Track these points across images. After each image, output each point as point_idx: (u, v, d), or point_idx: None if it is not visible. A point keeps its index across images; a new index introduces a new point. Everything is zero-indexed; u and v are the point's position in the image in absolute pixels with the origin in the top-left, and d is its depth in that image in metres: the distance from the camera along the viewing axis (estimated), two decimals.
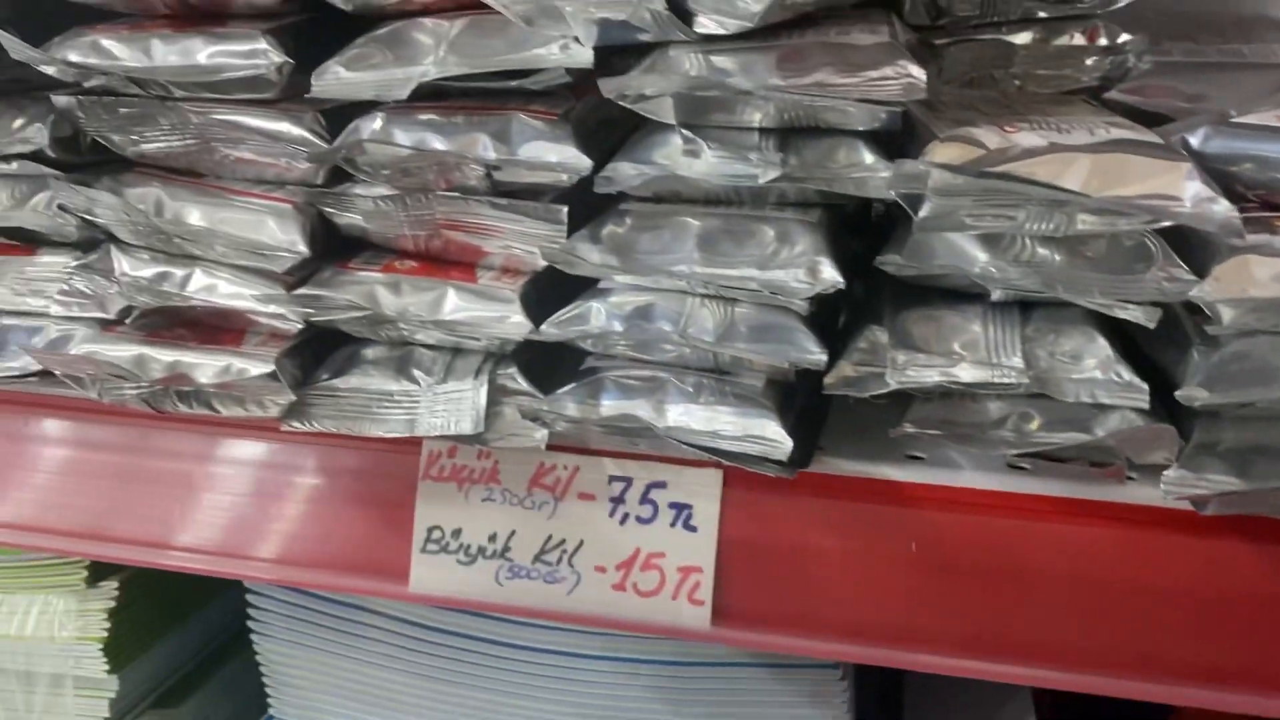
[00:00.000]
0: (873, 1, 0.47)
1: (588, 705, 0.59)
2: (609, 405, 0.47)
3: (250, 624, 0.62)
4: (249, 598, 0.62)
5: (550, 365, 0.50)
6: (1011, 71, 0.54)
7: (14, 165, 0.51)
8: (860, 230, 0.52)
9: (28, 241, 0.54)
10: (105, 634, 0.61)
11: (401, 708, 0.62)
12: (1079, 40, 0.53)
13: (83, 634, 0.61)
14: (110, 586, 0.61)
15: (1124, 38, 0.53)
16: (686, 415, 0.46)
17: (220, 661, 0.71)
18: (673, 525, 0.49)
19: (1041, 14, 0.53)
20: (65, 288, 0.52)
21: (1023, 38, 0.53)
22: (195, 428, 0.54)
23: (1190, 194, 0.39)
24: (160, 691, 0.67)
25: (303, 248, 0.49)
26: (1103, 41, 0.53)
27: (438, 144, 0.46)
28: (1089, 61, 0.53)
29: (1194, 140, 0.44)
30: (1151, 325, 0.42)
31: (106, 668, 0.61)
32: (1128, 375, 0.42)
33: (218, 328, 0.52)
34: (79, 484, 0.56)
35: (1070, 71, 0.53)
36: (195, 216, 0.49)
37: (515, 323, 0.47)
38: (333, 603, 0.61)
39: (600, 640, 0.58)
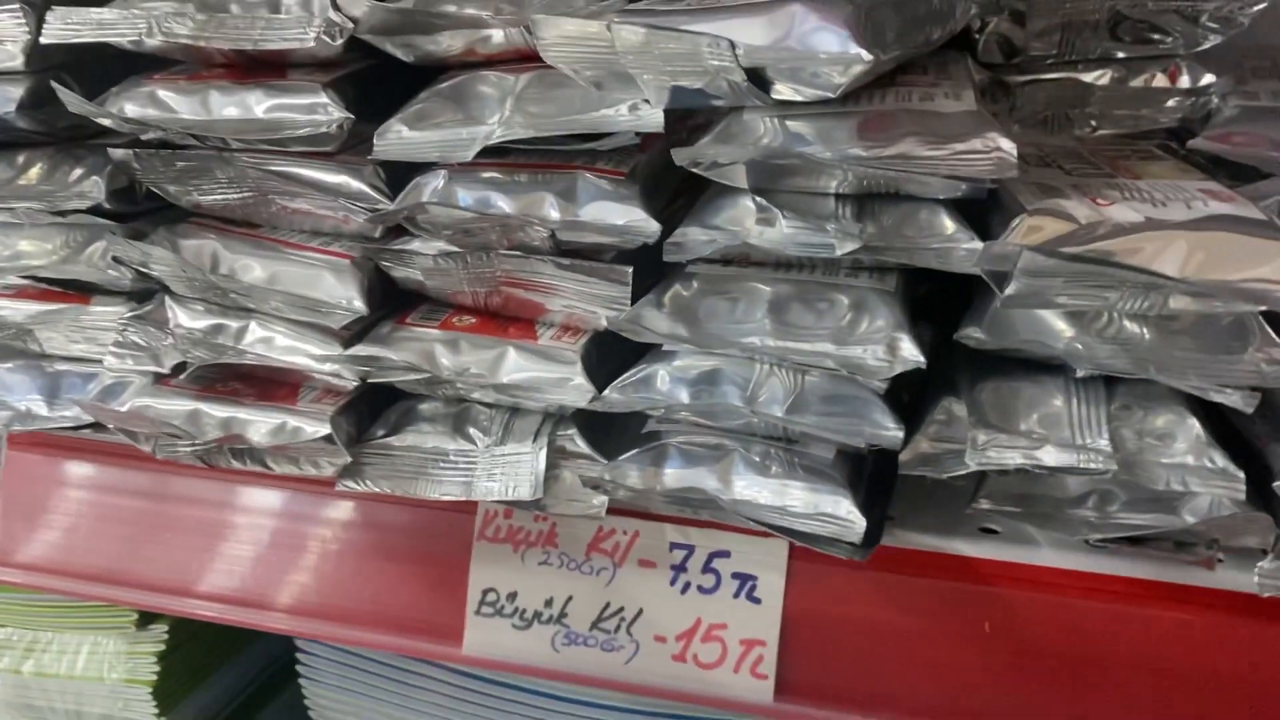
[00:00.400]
0: (947, 43, 0.45)
1: None
2: (672, 474, 0.45)
3: (299, 669, 0.62)
4: (299, 642, 0.61)
5: (610, 418, 0.49)
6: (1087, 111, 0.52)
7: (70, 217, 0.50)
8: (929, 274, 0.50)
9: (82, 290, 0.53)
10: (154, 677, 0.60)
11: None
12: (1160, 81, 0.51)
13: (132, 676, 0.60)
14: (160, 630, 0.61)
15: (1207, 79, 0.51)
16: (754, 488, 0.44)
17: (264, 702, 0.71)
18: (736, 596, 0.48)
19: (1120, 54, 0.51)
20: (119, 339, 0.51)
21: (1100, 78, 0.51)
22: (246, 480, 0.53)
23: None
24: None
25: (360, 305, 0.47)
26: (1184, 83, 0.51)
27: (502, 204, 0.44)
28: (1169, 103, 0.51)
29: None
30: (1250, 410, 0.40)
31: (155, 711, 0.61)
32: (1222, 461, 0.40)
33: (272, 381, 0.51)
34: (125, 532, 0.55)
35: (1148, 112, 0.51)
36: (251, 272, 0.48)
37: (577, 386, 0.46)
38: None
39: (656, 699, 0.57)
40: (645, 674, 0.49)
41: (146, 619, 0.61)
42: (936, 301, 0.47)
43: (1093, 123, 0.52)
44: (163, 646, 0.60)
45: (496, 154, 0.45)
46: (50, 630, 0.62)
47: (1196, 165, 0.48)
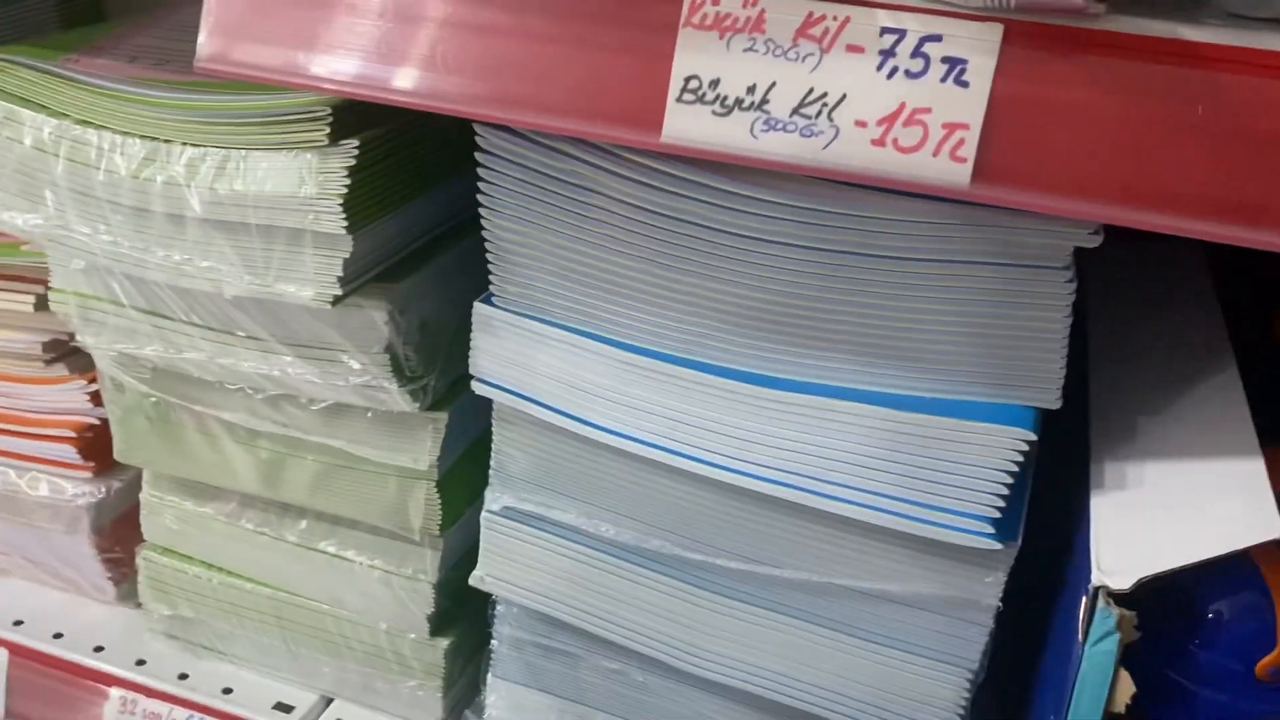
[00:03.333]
0: None
1: (798, 289, 0.60)
2: None
3: (480, 198, 0.64)
4: (480, 171, 0.63)
5: None
6: None
7: None
8: None
9: None
10: (345, 191, 0.63)
11: (619, 290, 0.64)
12: None
13: (323, 190, 0.63)
14: (350, 145, 0.63)
15: None
16: None
17: (450, 245, 0.74)
18: (944, 80, 0.48)
19: None
20: None
21: None
22: None
23: None
24: (387, 264, 0.70)
25: None
26: None
27: None
28: None
29: None
30: None
31: (345, 225, 0.64)
32: None
33: None
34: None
35: None
36: None
37: None
38: (564, 183, 0.62)
39: (820, 232, 0.58)
40: (842, 158, 0.50)
41: (337, 134, 0.63)
42: None
43: None
44: (353, 161, 0.63)
45: None
46: (243, 149, 0.65)
47: None
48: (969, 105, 0.48)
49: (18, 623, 0.95)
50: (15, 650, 0.93)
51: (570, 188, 0.62)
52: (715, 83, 0.51)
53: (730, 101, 0.51)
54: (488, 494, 0.74)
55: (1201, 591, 0.57)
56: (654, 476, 0.68)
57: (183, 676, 0.90)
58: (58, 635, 0.94)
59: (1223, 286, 0.82)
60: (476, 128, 0.62)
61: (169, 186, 0.67)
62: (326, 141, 0.63)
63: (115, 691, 0.90)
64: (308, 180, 0.63)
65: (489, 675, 0.82)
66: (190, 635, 0.92)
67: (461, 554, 0.82)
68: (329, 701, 0.89)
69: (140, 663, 0.91)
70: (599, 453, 0.69)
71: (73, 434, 0.91)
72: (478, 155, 0.63)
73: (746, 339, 0.63)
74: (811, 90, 0.50)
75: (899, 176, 0.49)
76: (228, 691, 0.89)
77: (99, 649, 0.93)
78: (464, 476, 0.78)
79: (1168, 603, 0.57)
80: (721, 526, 0.68)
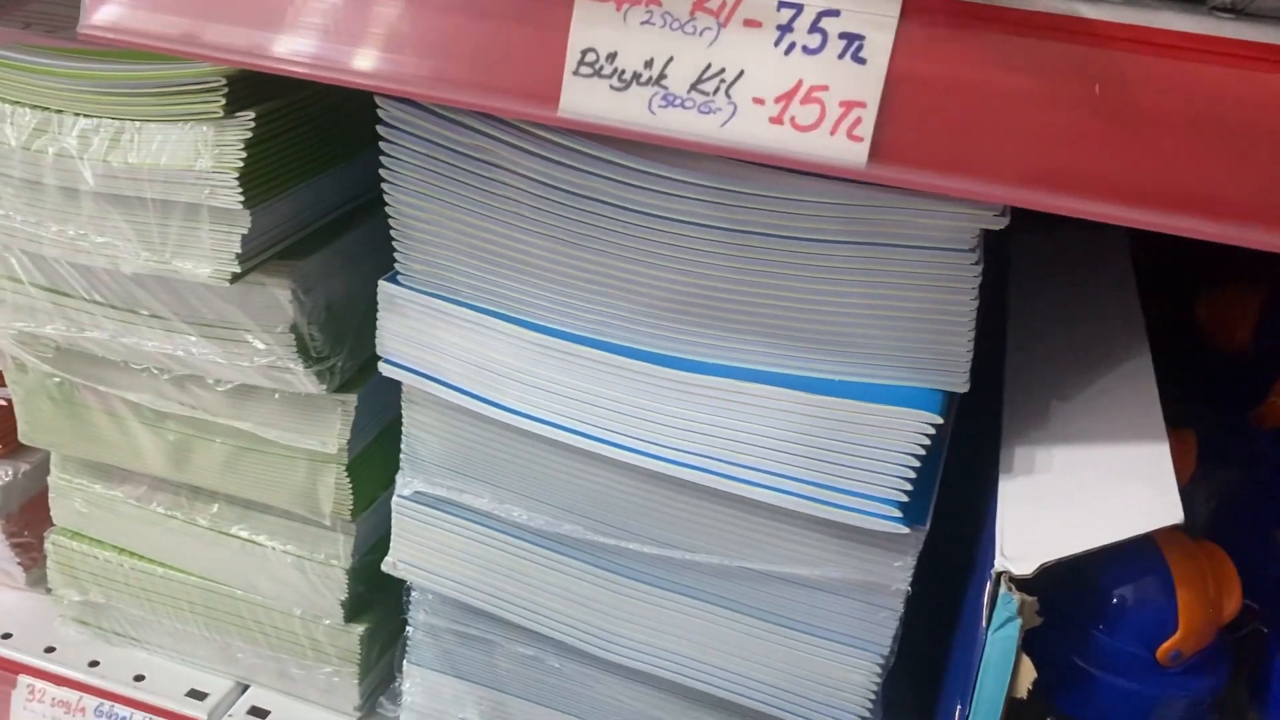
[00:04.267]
0: None
1: (705, 269, 0.59)
2: None
3: (382, 173, 0.62)
4: (382, 144, 0.61)
5: None
6: None
7: None
8: None
9: None
10: (241, 164, 0.61)
11: (526, 269, 0.63)
12: None
13: (219, 163, 0.61)
14: (247, 117, 0.61)
15: None
16: None
17: (360, 222, 0.72)
18: (841, 57, 0.47)
19: None
20: None
21: None
22: None
23: None
24: (288, 242, 0.68)
25: None
26: None
27: None
28: None
29: None
30: None
31: (241, 200, 0.62)
32: None
33: None
34: None
35: None
36: None
37: None
38: (468, 157, 0.61)
39: (726, 212, 0.57)
40: (740, 135, 0.49)
41: (234, 106, 0.61)
42: None
43: None
44: (250, 134, 0.61)
45: None
46: (137, 120, 0.63)
47: None
48: (866, 83, 0.47)
49: None
50: None
51: (475, 162, 0.61)
52: (612, 56, 0.50)
53: (628, 75, 0.50)
54: (398, 478, 0.73)
55: (1105, 576, 0.57)
56: (566, 460, 0.67)
57: (93, 664, 0.88)
58: None
59: (1150, 271, 0.83)
60: (378, 100, 0.60)
61: (61, 159, 0.65)
62: (222, 113, 0.60)
63: (23, 679, 0.88)
64: (204, 153, 0.61)
65: (405, 662, 0.80)
66: (101, 621, 0.90)
67: (376, 539, 0.80)
68: (245, 688, 0.88)
69: (49, 650, 0.89)
70: (510, 436, 0.67)
71: None
72: (380, 128, 0.61)
73: (656, 320, 0.62)
74: (709, 65, 0.49)
75: (796, 156, 0.48)
76: (139, 679, 0.87)
77: (7, 636, 0.90)
78: (377, 460, 0.76)
79: (1072, 588, 0.57)
80: (634, 511, 0.67)
